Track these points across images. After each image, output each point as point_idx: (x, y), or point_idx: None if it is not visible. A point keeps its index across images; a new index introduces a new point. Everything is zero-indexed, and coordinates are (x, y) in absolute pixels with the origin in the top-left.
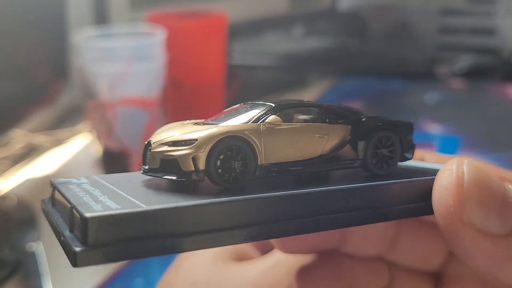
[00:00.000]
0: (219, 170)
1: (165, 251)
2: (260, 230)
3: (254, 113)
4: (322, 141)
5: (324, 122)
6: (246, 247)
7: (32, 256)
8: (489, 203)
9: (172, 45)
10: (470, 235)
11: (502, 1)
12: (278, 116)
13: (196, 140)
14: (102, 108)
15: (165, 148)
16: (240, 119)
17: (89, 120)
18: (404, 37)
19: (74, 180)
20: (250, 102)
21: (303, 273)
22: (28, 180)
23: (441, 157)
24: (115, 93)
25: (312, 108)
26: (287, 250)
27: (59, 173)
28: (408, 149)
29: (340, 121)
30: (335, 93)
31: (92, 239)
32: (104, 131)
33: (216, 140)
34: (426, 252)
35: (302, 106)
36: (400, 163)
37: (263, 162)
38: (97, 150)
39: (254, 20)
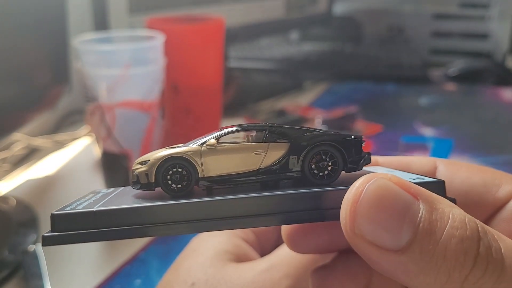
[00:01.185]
0: (169, 182)
1: (103, 239)
2: (191, 227)
3: (206, 137)
4: (259, 157)
5: (263, 141)
6: (245, 249)
7: (32, 257)
8: (381, 219)
9: (170, 49)
10: (365, 248)
11: (495, 6)
12: (219, 138)
13: (149, 160)
14: (101, 111)
15: (136, 166)
16: (196, 142)
17: (89, 123)
18: (398, 41)
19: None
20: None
21: (318, 274)
22: (28, 182)
23: (392, 160)
24: (114, 96)
25: (255, 130)
26: (298, 250)
27: (59, 175)
28: (354, 161)
29: (279, 139)
30: (330, 97)
31: (54, 227)
32: (103, 134)
33: (161, 161)
34: None
35: (245, 130)
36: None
37: (204, 175)
38: (97, 152)
39: (251, 25)
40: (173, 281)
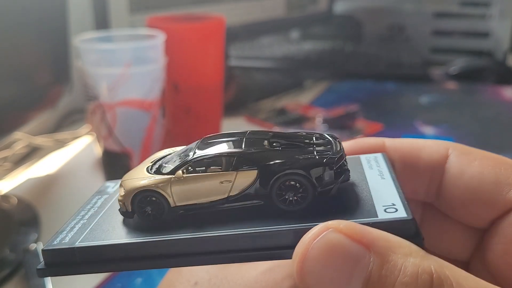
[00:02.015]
0: (142, 211)
1: (89, 271)
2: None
3: (175, 163)
4: (227, 186)
5: (231, 170)
6: None
7: (33, 255)
8: (328, 276)
9: (171, 48)
10: None
11: (496, 4)
12: (184, 169)
13: (124, 191)
14: (102, 110)
15: (120, 191)
16: (169, 167)
17: (90, 122)
18: (398, 40)
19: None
20: (190, 145)
21: None
22: (29, 181)
23: (402, 145)
24: (115, 95)
25: (222, 158)
26: None
27: (60, 174)
28: (326, 185)
29: (247, 167)
30: (331, 95)
31: (45, 261)
32: (104, 133)
33: (134, 193)
34: (452, 244)
35: (212, 158)
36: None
37: (176, 205)
38: (98, 151)
39: (252, 24)
40: (175, 280)
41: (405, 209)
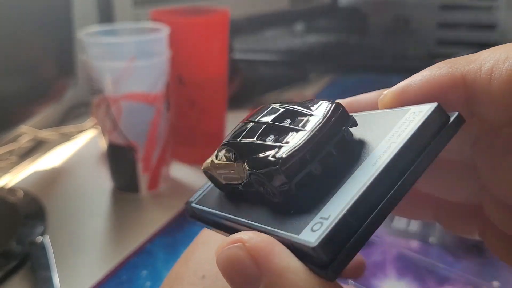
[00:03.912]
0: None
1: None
2: None
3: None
4: (234, 174)
5: (231, 161)
6: None
7: (40, 248)
8: (231, 284)
9: (175, 41)
10: None
11: None
12: (215, 155)
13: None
14: (106, 103)
15: None
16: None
17: (95, 116)
18: (404, 33)
19: None
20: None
21: None
22: (35, 174)
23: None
24: (120, 88)
25: (228, 148)
26: None
27: (65, 167)
28: (278, 187)
29: (239, 160)
30: (335, 88)
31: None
32: (109, 126)
33: (203, 171)
34: None
35: (224, 148)
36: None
37: (224, 183)
38: (102, 145)
39: (256, 17)
40: (183, 273)
41: (324, 231)
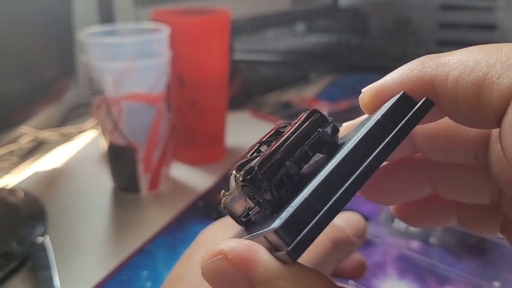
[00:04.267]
0: None
1: None
2: None
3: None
4: (238, 196)
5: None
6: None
7: (40, 249)
8: None
9: (176, 41)
10: None
11: None
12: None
13: None
14: (107, 104)
15: None
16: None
17: (95, 116)
18: (404, 33)
19: None
20: None
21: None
22: (35, 174)
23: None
24: (120, 89)
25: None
26: (374, 200)
27: (66, 168)
28: (257, 195)
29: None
30: (336, 89)
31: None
32: (109, 127)
33: None
34: None
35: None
36: None
37: None
38: (103, 145)
39: (256, 17)
40: (183, 273)
41: (287, 214)
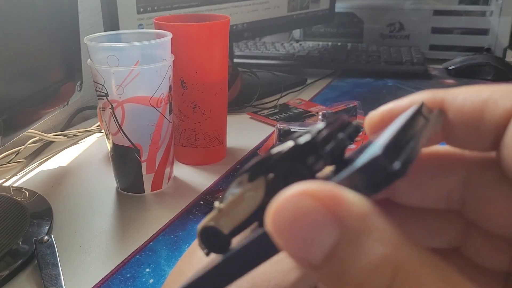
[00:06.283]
0: None
1: None
2: None
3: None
4: (252, 197)
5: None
6: None
7: (46, 247)
8: (292, 237)
9: (178, 46)
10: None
11: (495, 1)
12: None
13: None
14: (111, 107)
15: None
16: None
17: (100, 119)
18: (399, 37)
19: None
20: None
21: None
22: (42, 175)
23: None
24: (124, 92)
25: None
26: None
27: (71, 168)
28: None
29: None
30: (332, 92)
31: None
32: (113, 129)
33: None
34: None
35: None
36: None
37: None
38: (107, 147)
39: (255, 23)
40: (186, 270)
41: (384, 141)
